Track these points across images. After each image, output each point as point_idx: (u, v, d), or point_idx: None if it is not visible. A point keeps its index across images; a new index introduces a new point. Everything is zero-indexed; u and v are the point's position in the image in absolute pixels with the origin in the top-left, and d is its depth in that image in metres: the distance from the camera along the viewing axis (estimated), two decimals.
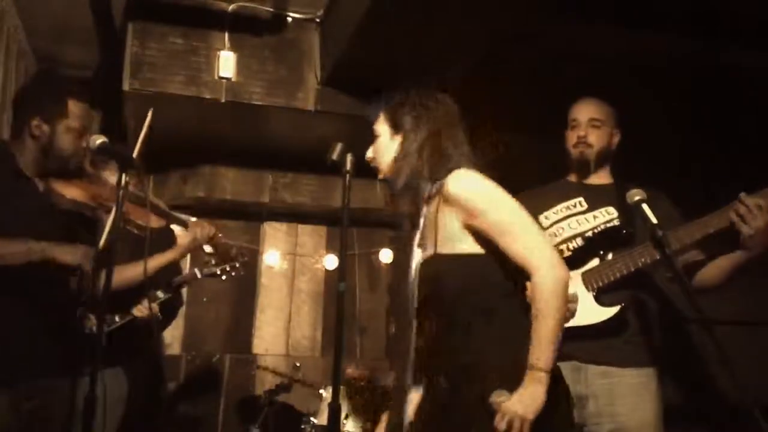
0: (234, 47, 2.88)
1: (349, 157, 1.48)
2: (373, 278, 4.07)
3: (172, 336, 3.68)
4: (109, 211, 1.74)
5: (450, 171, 1.46)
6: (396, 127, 1.55)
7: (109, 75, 3.16)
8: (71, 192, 1.76)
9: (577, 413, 1.79)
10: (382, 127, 1.58)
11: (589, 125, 1.97)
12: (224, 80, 2.86)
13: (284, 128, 3.20)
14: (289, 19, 2.95)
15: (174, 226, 2.18)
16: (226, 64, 2.84)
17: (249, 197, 3.67)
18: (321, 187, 3.71)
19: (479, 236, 1.43)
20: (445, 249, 1.46)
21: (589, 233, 1.91)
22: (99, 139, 1.68)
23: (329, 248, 3.99)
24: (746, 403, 1.35)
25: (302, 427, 2.73)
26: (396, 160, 1.52)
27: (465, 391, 1.38)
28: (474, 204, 1.42)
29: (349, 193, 1.47)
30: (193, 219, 2.10)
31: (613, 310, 1.80)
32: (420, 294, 1.50)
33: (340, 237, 1.49)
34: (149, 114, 1.94)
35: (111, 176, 1.93)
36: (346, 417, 2.65)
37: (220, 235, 2.14)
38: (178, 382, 3.65)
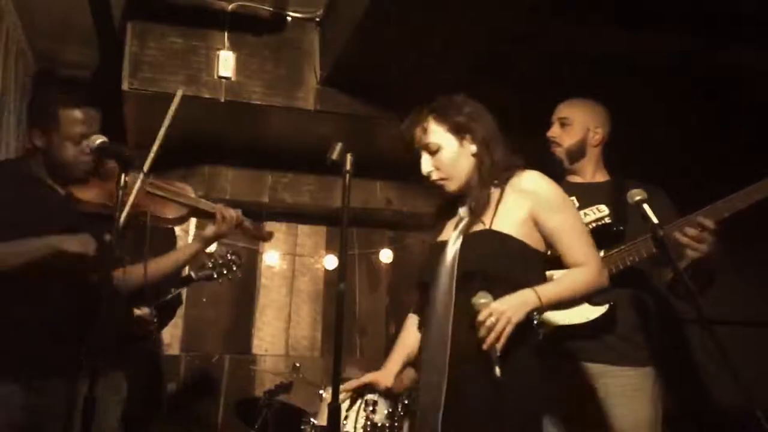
0: (233, 47, 2.88)
1: (349, 157, 1.47)
2: (373, 278, 4.07)
3: (172, 336, 3.67)
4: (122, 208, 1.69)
5: (516, 168, 1.52)
6: (461, 132, 1.52)
7: (108, 75, 3.16)
8: (89, 195, 1.76)
9: (573, 412, 1.80)
10: (443, 138, 1.52)
11: (557, 124, 2.03)
12: (224, 80, 2.85)
13: (284, 128, 3.20)
14: (289, 19, 2.95)
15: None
16: (226, 63, 2.84)
17: (248, 197, 3.67)
18: (321, 187, 3.71)
19: (536, 231, 1.49)
20: (498, 227, 1.47)
21: None
22: (99, 139, 1.68)
23: (329, 248, 3.99)
24: (749, 404, 1.35)
25: (302, 427, 2.71)
26: (480, 166, 1.50)
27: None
28: (550, 202, 1.50)
29: (349, 193, 1.47)
30: (213, 206, 1.95)
31: (602, 309, 1.80)
32: (463, 266, 1.44)
33: (340, 237, 1.48)
34: (179, 93, 1.88)
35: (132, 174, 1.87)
36: (346, 417, 2.64)
37: (246, 222, 2.00)
38: (178, 382, 3.64)
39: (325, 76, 2.92)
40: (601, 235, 1.87)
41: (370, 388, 1.67)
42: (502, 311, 1.34)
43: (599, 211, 1.94)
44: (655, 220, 1.53)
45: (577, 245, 1.48)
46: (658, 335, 1.91)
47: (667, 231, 1.69)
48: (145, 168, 1.81)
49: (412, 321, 1.68)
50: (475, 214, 1.50)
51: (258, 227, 2.08)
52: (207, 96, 2.85)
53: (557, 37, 2.93)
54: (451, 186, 1.54)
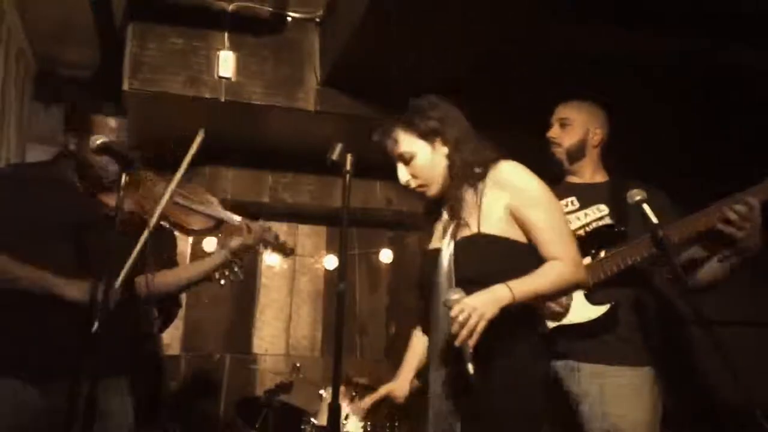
0: (234, 47, 2.88)
1: (349, 157, 1.47)
2: (373, 278, 4.07)
3: (172, 336, 3.67)
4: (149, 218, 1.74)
5: (493, 160, 1.48)
6: (431, 137, 1.50)
7: (108, 75, 3.16)
8: (117, 200, 1.75)
9: (570, 413, 1.80)
10: (415, 145, 1.51)
11: (557, 125, 2.03)
12: (224, 80, 2.85)
13: (284, 128, 3.20)
14: (289, 19, 2.95)
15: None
16: (226, 64, 2.84)
17: (249, 197, 3.67)
18: (321, 187, 3.71)
19: (518, 223, 1.46)
20: (486, 229, 1.45)
21: (581, 231, 1.91)
22: (99, 139, 1.69)
23: (329, 248, 3.99)
24: (748, 405, 1.35)
25: (302, 427, 2.72)
26: (452, 167, 1.49)
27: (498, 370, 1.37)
28: (528, 194, 1.46)
29: (349, 193, 1.47)
30: (239, 219, 1.96)
31: (603, 309, 1.80)
32: (460, 273, 1.42)
33: (340, 237, 1.48)
34: (200, 134, 1.91)
35: (157, 182, 1.92)
36: (346, 417, 2.65)
37: (272, 232, 2.01)
38: (178, 382, 3.64)
39: (326, 76, 2.92)
40: (601, 236, 1.88)
41: (387, 400, 1.66)
42: (474, 307, 1.31)
43: (599, 210, 1.95)
44: (655, 220, 1.53)
45: (553, 239, 1.44)
46: (658, 335, 1.91)
47: (667, 231, 1.69)
48: (170, 189, 1.82)
49: (419, 333, 1.67)
50: (458, 217, 1.48)
51: (281, 241, 2.09)
52: (207, 96, 2.85)
53: (557, 37, 2.93)
54: (431, 191, 1.53)
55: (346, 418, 2.64)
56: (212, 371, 3.73)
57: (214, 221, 1.97)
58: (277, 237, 2.08)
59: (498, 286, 1.36)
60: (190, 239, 3.68)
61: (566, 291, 1.52)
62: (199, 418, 3.60)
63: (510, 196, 1.45)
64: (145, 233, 1.69)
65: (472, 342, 1.31)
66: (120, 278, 1.67)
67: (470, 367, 1.30)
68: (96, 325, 1.61)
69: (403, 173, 1.53)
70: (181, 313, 3.32)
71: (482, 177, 1.49)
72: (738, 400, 1.38)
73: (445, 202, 1.54)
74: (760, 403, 1.37)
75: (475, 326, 1.30)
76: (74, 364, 1.61)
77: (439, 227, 1.56)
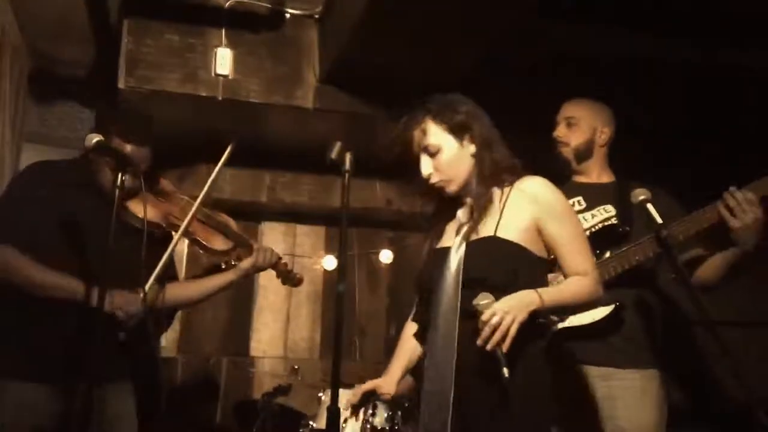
0: (231, 44, 2.85)
1: (348, 156, 1.45)
2: (373, 279, 4.04)
3: (168, 339, 3.64)
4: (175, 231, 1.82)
5: (519, 171, 1.50)
6: (460, 132, 1.49)
7: (104, 72, 3.13)
8: (139, 209, 1.77)
9: (577, 415, 1.79)
10: (443, 139, 1.49)
11: (564, 124, 2.00)
12: (221, 77, 2.83)
13: (282, 126, 3.18)
14: (288, 16, 2.92)
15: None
16: (223, 61, 2.81)
17: (246, 197, 3.64)
18: (320, 187, 3.68)
19: (540, 238, 1.47)
20: (502, 234, 1.45)
21: (587, 231, 1.89)
22: (95, 138, 1.67)
23: (328, 249, 3.96)
24: (751, 404, 1.34)
25: (300, 430, 2.69)
26: (480, 166, 1.48)
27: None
28: (557, 209, 1.48)
29: (348, 192, 1.45)
30: (257, 245, 2.03)
31: (607, 310, 1.79)
32: (469, 274, 1.42)
33: (340, 237, 1.46)
34: (231, 145, 1.96)
35: (182, 195, 1.98)
36: (345, 421, 2.61)
37: (283, 261, 2.08)
38: (175, 385, 3.61)
39: (324, 73, 2.90)
40: (606, 236, 1.86)
41: (374, 395, 1.65)
42: (506, 310, 1.32)
43: (606, 211, 1.93)
44: (659, 220, 1.52)
45: (578, 256, 1.48)
46: (662, 336, 1.90)
47: (671, 230, 1.67)
48: (198, 202, 1.89)
49: (411, 328, 1.66)
50: (477, 216, 1.47)
51: (291, 271, 2.14)
52: (204, 94, 2.83)
53: (557, 37, 2.92)
54: (452, 188, 1.51)
55: (345, 421, 2.61)
56: (209, 373, 3.70)
57: (233, 243, 2.01)
58: (287, 266, 2.12)
59: (526, 291, 1.38)
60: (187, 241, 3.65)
61: (585, 307, 1.54)
62: (197, 420, 3.57)
63: (539, 210, 1.47)
64: (171, 245, 1.78)
65: (505, 345, 1.32)
66: (147, 286, 1.72)
67: (505, 371, 1.30)
68: (123, 335, 1.63)
69: (427, 166, 1.50)
70: (178, 314, 3.29)
71: (510, 183, 1.50)
72: (740, 400, 1.37)
73: (461, 201, 1.52)
74: (762, 403, 1.36)
75: (508, 330, 1.31)
76: (85, 368, 1.60)
77: (449, 227, 1.54)
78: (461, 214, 1.51)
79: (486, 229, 1.46)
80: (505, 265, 1.42)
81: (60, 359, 1.71)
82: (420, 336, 1.60)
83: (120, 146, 1.79)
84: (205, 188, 1.93)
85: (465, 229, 1.48)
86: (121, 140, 1.82)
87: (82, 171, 1.85)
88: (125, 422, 1.86)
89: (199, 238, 1.93)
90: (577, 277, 1.46)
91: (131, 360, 1.88)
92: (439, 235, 1.56)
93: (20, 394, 1.71)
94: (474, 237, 1.46)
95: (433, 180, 1.50)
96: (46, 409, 1.71)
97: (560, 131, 2.00)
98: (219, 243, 1.97)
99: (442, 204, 1.56)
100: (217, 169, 1.96)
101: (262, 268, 2.02)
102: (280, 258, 2.06)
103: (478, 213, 1.47)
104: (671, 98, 3.08)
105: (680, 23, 2.86)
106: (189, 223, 1.85)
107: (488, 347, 1.32)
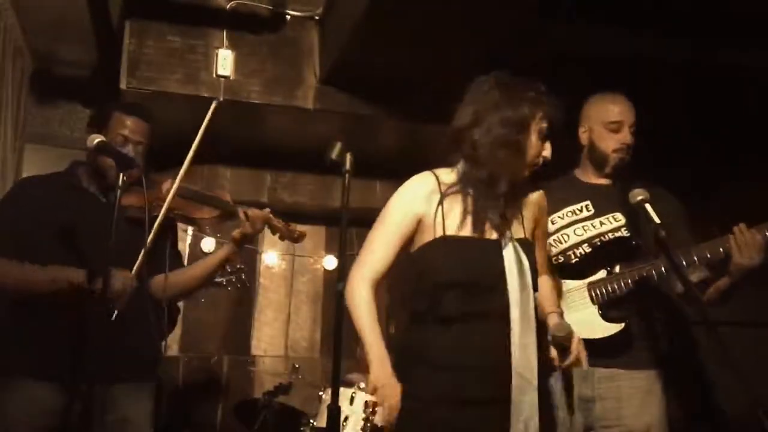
0: (232, 45, 2.86)
1: (348, 156, 1.46)
2: None
3: (170, 337, 3.65)
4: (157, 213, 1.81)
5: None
6: None
7: (106, 73, 3.14)
8: (129, 200, 1.78)
9: (583, 416, 1.80)
10: None
11: (630, 132, 1.91)
12: (222, 78, 2.84)
13: (283, 127, 3.18)
14: (288, 17, 2.93)
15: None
16: (225, 62, 2.82)
17: (247, 197, 3.64)
18: (320, 187, 3.69)
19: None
20: (529, 236, 1.56)
21: (597, 240, 1.88)
22: (96, 139, 1.68)
23: (328, 248, 3.97)
24: (754, 406, 1.34)
25: (301, 429, 2.70)
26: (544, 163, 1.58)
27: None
28: (545, 212, 1.66)
29: (348, 192, 1.46)
30: (242, 210, 1.96)
31: (617, 327, 1.80)
32: (533, 276, 1.51)
33: (340, 237, 1.47)
34: (214, 104, 1.98)
35: (163, 181, 1.96)
36: (346, 419, 2.62)
37: (276, 218, 2.01)
38: (176, 383, 3.62)
39: (325, 74, 2.91)
40: (617, 249, 1.85)
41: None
42: (581, 340, 1.55)
43: (615, 220, 1.90)
44: (657, 220, 1.52)
45: (547, 255, 1.67)
46: (665, 338, 1.91)
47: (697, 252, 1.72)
48: (180, 176, 1.89)
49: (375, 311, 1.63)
50: (519, 214, 1.55)
51: (288, 225, 2.07)
52: (205, 95, 2.83)
53: (557, 37, 2.92)
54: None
55: (346, 420, 2.62)
56: (210, 372, 3.71)
57: (219, 210, 1.98)
58: (282, 222, 2.06)
59: (557, 315, 1.60)
60: (189, 239, 3.66)
61: None
62: (198, 419, 3.58)
63: (543, 222, 1.62)
64: (156, 224, 1.76)
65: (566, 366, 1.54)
66: (135, 267, 1.71)
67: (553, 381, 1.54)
68: (115, 313, 1.62)
69: (550, 150, 1.56)
70: (180, 314, 3.29)
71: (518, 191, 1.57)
72: (743, 402, 1.38)
73: (511, 191, 1.51)
74: (763, 404, 1.36)
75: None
76: (86, 367, 1.61)
77: (456, 211, 1.51)
78: (493, 205, 1.49)
79: (524, 229, 1.55)
80: (534, 270, 1.52)
81: (67, 358, 1.71)
82: (440, 328, 1.55)
83: (121, 121, 1.81)
84: (187, 161, 1.91)
85: (498, 222, 1.50)
86: (122, 113, 1.84)
87: (65, 177, 1.88)
88: (134, 426, 1.81)
89: (182, 213, 1.92)
90: (551, 282, 1.67)
91: (152, 361, 1.87)
92: (462, 225, 1.49)
93: (28, 392, 1.71)
94: (513, 235, 1.51)
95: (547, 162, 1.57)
96: (54, 407, 1.71)
97: (630, 140, 1.90)
98: (205, 213, 1.95)
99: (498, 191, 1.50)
100: (201, 130, 1.95)
101: (251, 233, 1.94)
102: (271, 216, 1.98)
103: (522, 209, 1.56)
104: (671, 98, 3.07)
105: (680, 23, 2.86)
106: (172, 199, 1.84)
107: (563, 366, 1.52)
